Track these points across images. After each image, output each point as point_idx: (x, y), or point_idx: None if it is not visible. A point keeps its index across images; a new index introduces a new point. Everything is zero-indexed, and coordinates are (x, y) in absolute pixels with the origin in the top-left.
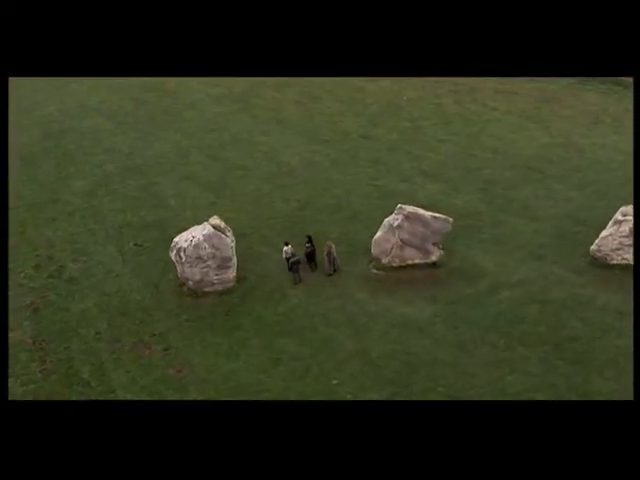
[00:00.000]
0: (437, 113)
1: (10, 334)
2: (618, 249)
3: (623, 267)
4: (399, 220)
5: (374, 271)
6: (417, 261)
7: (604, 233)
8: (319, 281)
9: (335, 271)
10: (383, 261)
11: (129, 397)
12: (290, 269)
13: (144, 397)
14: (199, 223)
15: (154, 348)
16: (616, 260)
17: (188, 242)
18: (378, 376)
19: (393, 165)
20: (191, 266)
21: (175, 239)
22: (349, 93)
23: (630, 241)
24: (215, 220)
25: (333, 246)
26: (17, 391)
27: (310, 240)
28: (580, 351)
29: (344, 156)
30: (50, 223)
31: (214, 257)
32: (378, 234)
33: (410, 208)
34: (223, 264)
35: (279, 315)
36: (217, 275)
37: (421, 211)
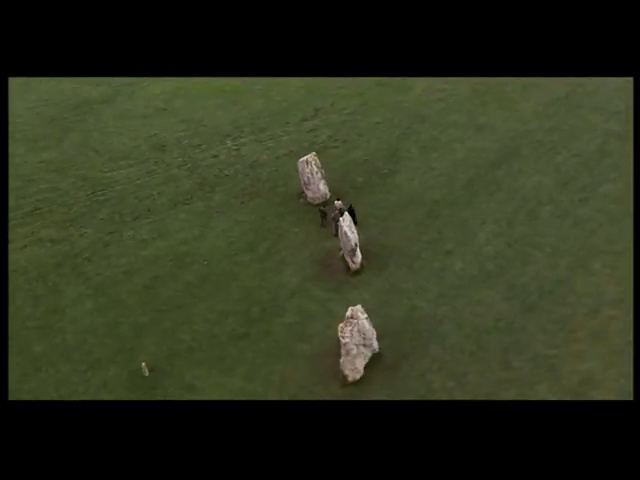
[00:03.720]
0: None
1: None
2: None
3: None
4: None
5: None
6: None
7: None
8: (322, 236)
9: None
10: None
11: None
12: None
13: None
14: None
15: (237, 202)
16: None
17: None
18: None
19: None
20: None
21: None
22: None
23: None
24: (311, 155)
25: (337, 213)
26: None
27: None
28: None
29: None
30: None
31: (301, 175)
32: None
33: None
34: (304, 185)
35: (261, 230)
36: (304, 189)
37: (344, 218)
